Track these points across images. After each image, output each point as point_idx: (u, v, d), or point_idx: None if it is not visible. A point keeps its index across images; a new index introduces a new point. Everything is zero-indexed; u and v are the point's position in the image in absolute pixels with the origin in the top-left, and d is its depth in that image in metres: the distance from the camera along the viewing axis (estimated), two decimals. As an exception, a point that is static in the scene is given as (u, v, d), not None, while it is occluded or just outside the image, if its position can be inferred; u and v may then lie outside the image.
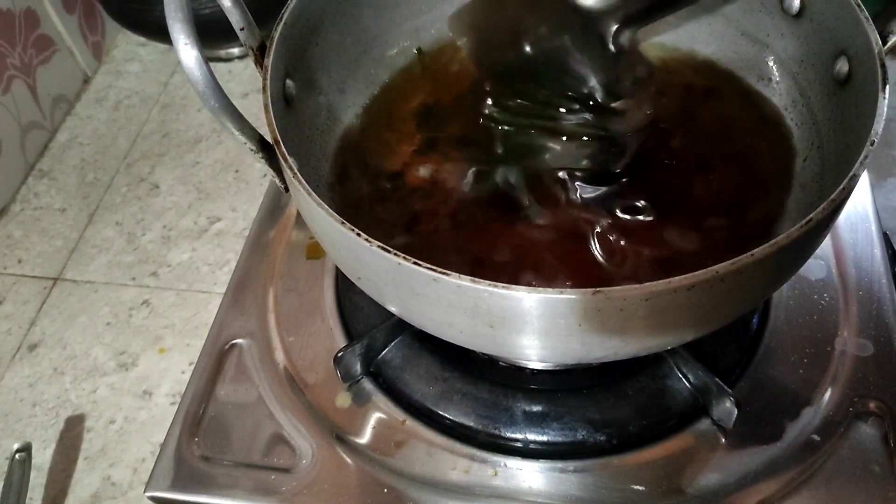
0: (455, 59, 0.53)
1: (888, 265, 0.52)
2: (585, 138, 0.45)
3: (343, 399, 0.48)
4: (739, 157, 0.47)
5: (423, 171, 0.47)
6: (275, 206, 0.59)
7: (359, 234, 0.33)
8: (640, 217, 0.44)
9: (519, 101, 0.46)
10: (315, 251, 0.56)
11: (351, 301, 0.52)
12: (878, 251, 0.52)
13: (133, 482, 0.54)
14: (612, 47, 0.43)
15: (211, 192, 0.71)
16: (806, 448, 0.44)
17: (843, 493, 0.43)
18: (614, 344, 0.34)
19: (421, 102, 0.51)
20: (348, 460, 0.46)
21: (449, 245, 0.44)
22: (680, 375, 0.47)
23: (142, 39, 0.85)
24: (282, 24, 0.41)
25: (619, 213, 0.44)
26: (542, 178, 0.45)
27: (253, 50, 0.41)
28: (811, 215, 0.32)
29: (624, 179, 0.45)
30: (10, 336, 0.62)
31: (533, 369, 0.48)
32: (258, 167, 0.72)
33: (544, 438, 0.46)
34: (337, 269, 0.54)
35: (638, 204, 0.44)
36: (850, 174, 0.33)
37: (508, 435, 0.46)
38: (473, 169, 0.46)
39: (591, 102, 0.45)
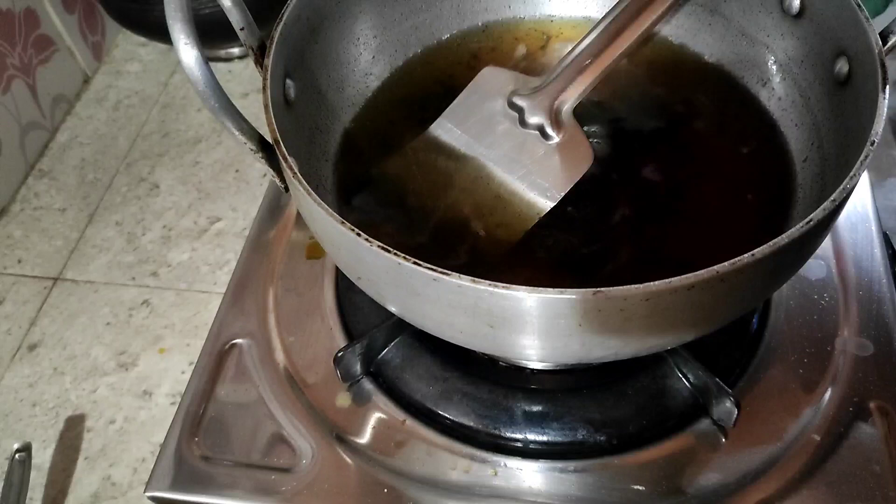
0: (455, 57, 0.53)
1: (888, 265, 0.52)
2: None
3: (343, 399, 0.48)
4: (739, 158, 0.47)
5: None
6: (275, 206, 0.59)
7: (359, 234, 0.33)
8: (644, 219, 0.44)
9: None
10: (315, 251, 0.55)
11: (351, 301, 0.52)
12: (878, 251, 0.52)
13: (133, 482, 0.54)
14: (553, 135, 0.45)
15: (211, 191, 0.71)
16: (806, 448, 0.44)
17: (843, 492, 0.43)
18: (614, 344, 0.34)
19: (421, 100, 0.51)
20: (348, 460, 0.46)
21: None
22: (680, 375, 0.47)
23: (142, 39, 0.85)
24: (282, 23, 0.41)
25: (622, 216, 0.44)
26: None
27: (253, 50, 0.41)
28: (811, 215, 0.32)
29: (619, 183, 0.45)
30: (9, 336, 0.62)
31: (533, 369, 0.48)
32: (258, 167, 0.72)
33: (544, 438, 0.46)
34: (337, 268, 0.54)
35: (641, 205, 0.44)
36: (851, 174, 0.33)
37: (508, 435, 0.46)
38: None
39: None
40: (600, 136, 0.48)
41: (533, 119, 0.45)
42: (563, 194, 0.44)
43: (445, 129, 0.47)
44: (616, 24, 0.46)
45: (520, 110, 0.46)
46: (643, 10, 0.46)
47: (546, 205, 0.44)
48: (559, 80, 0.46)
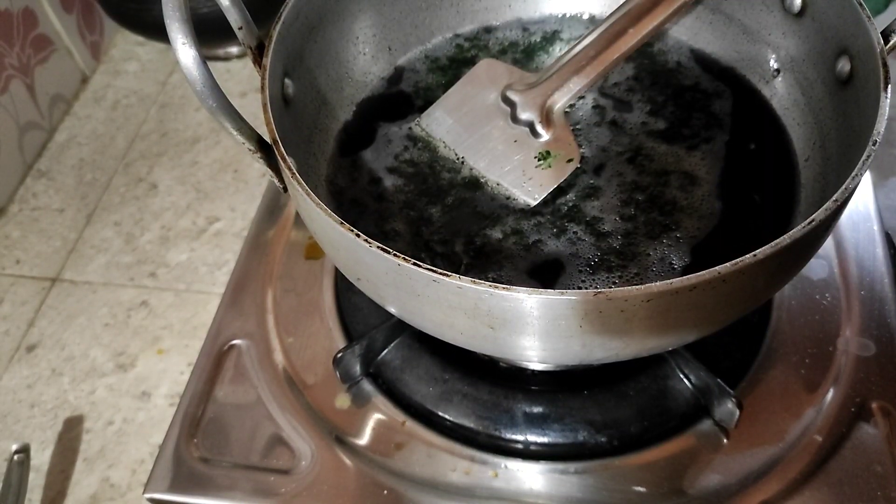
0: (455, 57, 0.53)
1: (890, 265, 0.52)
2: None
3: (342, 400, 0.48)
4: (740, 157, 0.46)
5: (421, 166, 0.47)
6: (273, 206, 0.58)
7: (358, 235, 0.33)
8: (641, 219, 0.44)
9: None
10: (314, 251, 0.55)
11: (350, 301, 0.52)
12: (880, 250, 0.52)
13: (132, 483, 0.54)
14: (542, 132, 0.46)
15: (209, 192, 0.71)
16: (808, 448, 0.44)
17: (845, 493, 0.43)
18: (615, 345, 0.34)
19: (420, 100, 0.51)
20: (348, 462, 0.45)
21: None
22: (681, 376, 0.47)
23: (140, 39, 0.85)
24: (280, 22, 0.41)
25: (620, 215, 0.44)
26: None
27: (251, 49, 0.41)
28: (814, 215, 0.32)
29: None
30: (8, 337, 0.62)
31: (533, 370, 0.48)
32: (257, 167, 0.72)
33: (545, 440, 0.46)
34: (336, 269, 0.54)
35: (637, 204, 0.44)
36: (853, 174, 0.33)
37: (509, 436, 0.46)
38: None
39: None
40: (598, 133, 0.48)
41: (524, 115, 0.46)
42: (545, 194, 0.44)
43: (435, 119, 0.48)
44: (616, 28, 0.46)
45: (512, 105, 0.46)
46: (643, 16, 0.46)
47: (528, 203, 0.44)
48: (554, 78, 0.46)
